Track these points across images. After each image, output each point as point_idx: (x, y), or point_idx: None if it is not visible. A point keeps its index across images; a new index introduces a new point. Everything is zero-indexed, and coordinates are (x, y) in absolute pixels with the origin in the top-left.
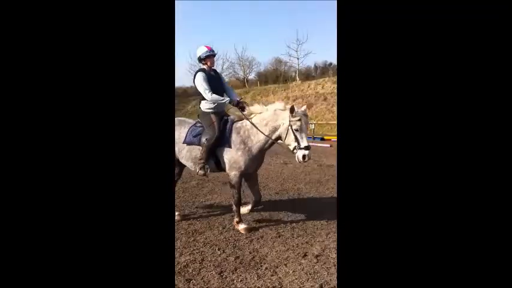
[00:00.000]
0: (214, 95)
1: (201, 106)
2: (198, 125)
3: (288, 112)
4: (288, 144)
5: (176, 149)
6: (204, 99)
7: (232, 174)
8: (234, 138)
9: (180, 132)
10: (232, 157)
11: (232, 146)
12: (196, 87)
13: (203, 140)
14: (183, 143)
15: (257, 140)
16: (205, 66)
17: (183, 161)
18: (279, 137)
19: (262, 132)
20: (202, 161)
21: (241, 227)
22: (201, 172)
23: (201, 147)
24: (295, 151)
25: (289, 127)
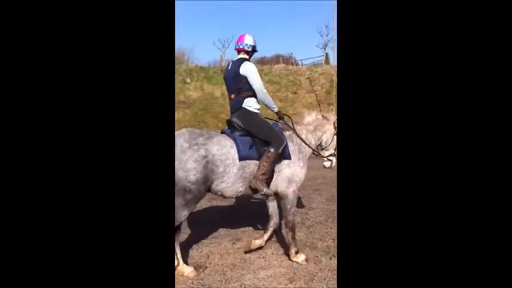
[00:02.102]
0: (268, 95)
1: (247, 105)
2: (238, 133)
3: (331, 119)
4: (327, 150)
5: (202, 176)
6: (252, 96)
7: (291, 191)
8: (292, 147)
9: (224, 150)
10: (295, 170)
11: (293, 157)
12: (242, 79)
13: (270, 149)
14: (238, 161)
15: (307, 147)
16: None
17: (222, 186)
18: (320, 143)
19: (306, 143)
20: (265, 176)
21: (302, 257)
22: (266, 190)
23: (259, 161)
24: (330, 157)
25: (335, 134)
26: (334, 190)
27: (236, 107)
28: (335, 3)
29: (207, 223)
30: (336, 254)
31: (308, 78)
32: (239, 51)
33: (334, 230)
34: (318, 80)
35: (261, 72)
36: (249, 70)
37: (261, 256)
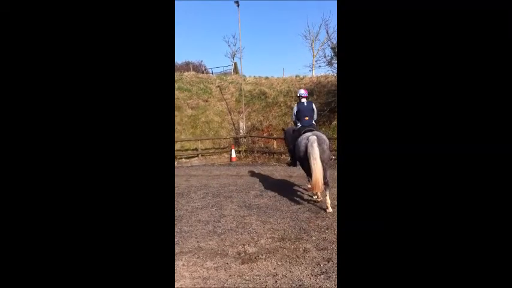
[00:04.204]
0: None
1: (313, 122)
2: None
3: None
4: None
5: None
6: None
7: None
8: None
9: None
10: None
11: None
12: (313, 111)
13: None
14: None
15: None
16: (303, 100)
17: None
18: None
19: None
20: None
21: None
22: None
23: None
24: None
25: None
26: (246, 197)
27: (309, 123)
28: (240, 15)
29: None
30: (245, 259)
31: (218, 86)
32: (304, 97)
33: (245, 236)
34: (228, 88)
35: None
36: (314, 107)
37: None
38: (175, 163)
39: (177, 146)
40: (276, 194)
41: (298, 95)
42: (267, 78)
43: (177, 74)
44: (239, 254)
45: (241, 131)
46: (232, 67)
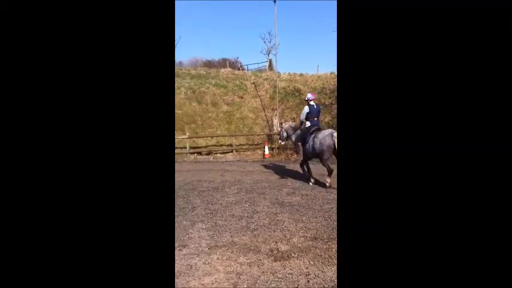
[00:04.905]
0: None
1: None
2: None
3: None
4: None
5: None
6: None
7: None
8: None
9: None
10: None
11: None
12: (320, 112)
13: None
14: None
15: None
16: (311, 102)
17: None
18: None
19: None
20: None
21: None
22: None
23: None
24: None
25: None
26: (278, 194)
27: (317, 123)
28: (276, 11)
29: None
30: (277, 257)
31: (253, 83)
32: (312, 100)
33: (277, 233)
34: (262, 85)
35: (208, 75)
36: (321, 109)
37: (206, 262)
38: (211, 158)
39: (213, 141)
40: (309, 192)
41: (306, 98)
42: (301, 75)
43: (213, 71)
44: (272, 251)
45: (274, 127)
46: (267, 64)
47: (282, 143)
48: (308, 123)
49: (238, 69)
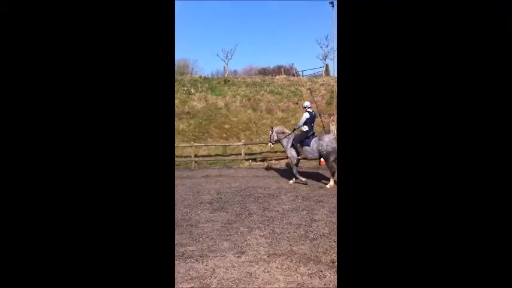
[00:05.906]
0: (300, 126)
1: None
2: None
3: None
4: None
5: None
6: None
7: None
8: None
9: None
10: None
11: None
12: (315, 119)
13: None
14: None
15: None
16: (309, 110)
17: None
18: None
19: None
20: None
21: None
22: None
23: None
24: None
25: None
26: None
27: (312, 128)
28: (335, 14)
29: (210, 235)
30: None
31: (309, 89)
32: (310, 108)
33: None
34: (318, 90)
35: (263, 82)
36: (316, 115)
37: (266, 270)
38: (266, 164)
39: (267, 147)
40: None
41: (304, 106)
42: None
43: (268, 78)
44: (333, 262)
45: (331, 134)
46: (324, 69)
47: (272, 146)
48: (306, 128)
49: (293, 76)
